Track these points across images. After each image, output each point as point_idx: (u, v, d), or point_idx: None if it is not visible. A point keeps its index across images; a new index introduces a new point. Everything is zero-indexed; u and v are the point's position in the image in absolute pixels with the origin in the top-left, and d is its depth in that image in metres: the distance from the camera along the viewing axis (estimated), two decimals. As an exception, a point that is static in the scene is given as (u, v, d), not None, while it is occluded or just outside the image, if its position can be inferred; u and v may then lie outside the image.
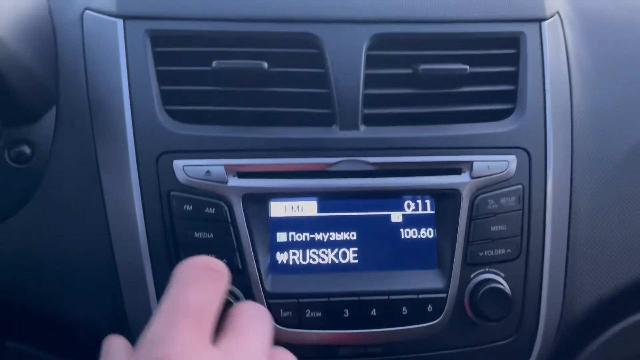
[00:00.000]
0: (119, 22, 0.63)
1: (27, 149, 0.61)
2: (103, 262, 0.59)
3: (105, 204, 0.60)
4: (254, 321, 0.46)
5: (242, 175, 0.59)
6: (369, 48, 0.63)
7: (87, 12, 0.66)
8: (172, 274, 0.46)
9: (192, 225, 0.58)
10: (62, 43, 0.65)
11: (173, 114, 0.61)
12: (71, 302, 0.61)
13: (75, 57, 0.64)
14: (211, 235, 0.57)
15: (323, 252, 0.60)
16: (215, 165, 0.58)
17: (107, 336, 0.48)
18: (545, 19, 0.67)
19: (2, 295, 0.62)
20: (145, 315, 0.57)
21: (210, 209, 0.58)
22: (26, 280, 0.61)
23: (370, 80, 0.62)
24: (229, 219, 0.58)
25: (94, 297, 0.60)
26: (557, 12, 0.70)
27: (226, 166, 0.58)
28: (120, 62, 0.62)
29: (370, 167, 0.60)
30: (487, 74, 0.65)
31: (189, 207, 0.58)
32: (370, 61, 0.63)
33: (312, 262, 0.60)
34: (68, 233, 0.60)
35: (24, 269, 0.61)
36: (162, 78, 0.62)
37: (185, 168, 0.58)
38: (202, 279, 0.46)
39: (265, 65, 0.60)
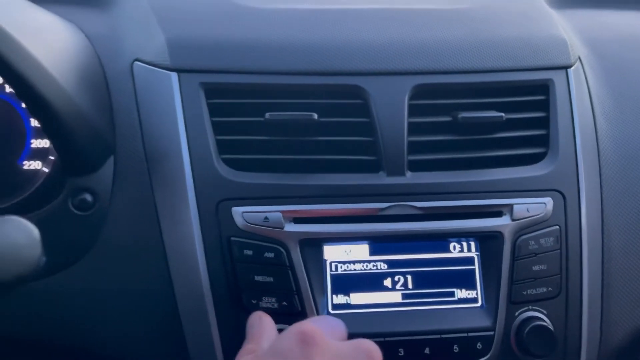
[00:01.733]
0: (174, 75, 0.66)
1: (89, 197, 0.64)
2: (165, 305, 0.62)
3: (165, 249, 0.63)
4: None
5: (297, 220, 0.62)
6: (411, 98, 0.66)
7: (137, 63, 0.69)
8: None
9: (253, 268, 0.61)
10: (115, 93, 0.68)
11: (228, 162, 0.64)
12: (133, 345, 0.63)
13: (129, 107, 0.67)
14: (271, 279, 0.60)
15: (375, 293, 0.63)
16: (273, 212, 0.62)
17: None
18: (570, 66, 0.72)
19: (65, 339, 0.64)
20: (208, 357, 0.60)
21: (270, 253, 0.61)
22: (89, 324, 0.64)
23: (413, 128, 0.66)
24: (287, 263, 0.61)
25: (156, 340, 0.63)
26: (579, 58, 0.74)
27: (283, 212, 0.62)
28: (176, 113, 0.65)
29: (418, 212, 0.64)
30: (520, 119, 0.69)
31: (249, 252, 0.61)
32: (413, 110, 0.66)
33: (365, 302, 0.63)
34: (130, 277, 0.63)
35: (88, 314, 0.63)
36: (216, 128, 0.65)
37: (244, 214, 0.62)
38: None
39: (316, 116, 0.64)
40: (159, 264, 0.63)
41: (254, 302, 0.60)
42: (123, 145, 0.66)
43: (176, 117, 0.65)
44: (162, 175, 0.64)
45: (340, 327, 0.55)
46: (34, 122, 0.71)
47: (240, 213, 0.62)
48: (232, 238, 0.61)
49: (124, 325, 0.63)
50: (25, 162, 0.71)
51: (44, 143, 0.71)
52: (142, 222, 0.64)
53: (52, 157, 0.71)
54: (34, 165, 0.71)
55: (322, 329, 0.50)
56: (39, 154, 0.71)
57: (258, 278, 0.60)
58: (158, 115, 0.66)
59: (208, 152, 0.64)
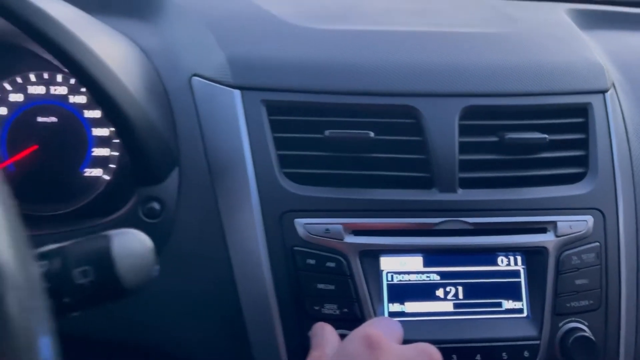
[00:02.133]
0: (236, 92, 0.69)
1: (156, 205, 0.68)
2: (229, 310, 0.66)
3: (229, 257, 0.66)
4: None
5: (357, 232, 0.66)
6: (461, 118, 0.70)
7: (195, 78, 0.72)
8: None
9: (315, 277, 0.64)
10: (176, 106, 0.71)
11: (289, 176, 0.68)
12: (198, 348, 0.67)
13: (190, 120, 0.70)
14: (333, 287, 0.64)
15: (429, 302, 0.67)
16: (334, 224, 0.65)
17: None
18: (607, 90, 0.76)
19: (132, 339, 0.68)
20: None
21: (331, 263, 0.64)
22: (157, 326, 0.67)
23: (463, 147, 0.70)
24: (348, 272, 0.64)
25: (220, 344, 0.67)
26: (613, 82, 0.79)
27: (344, 225, 0.65)
28: (240, 129, 0.68)
29: (469, 227, 0.68)
30: (561, 140, 0.73)
31: (312, 261, 0.65)
32: (462, 130, 0.70)
33: (419, 310, 0.67)
34: (196, 283, 0.67)
35: (155, 316, 0.67)
36: (278, 143, 0.68)
37: (306, 226, 0.65)
38: None
39: (372, 134, 0.68)
40: (224, 270, 0.66)
41: (316, 308, 0.64)
42: (187, 158, 0.69)
43: (240, 132, 0.68)
44: (226, 187, 0.68)
45: (399, 329, 0.59)
46: (96, 132, 0.75)
47: (302, 224, 0.65)
48: (295, 248, 0.65)
49: (189, 328, 0.67)
50: (86, 170, 0.75)
51: (105, 152, 0.75)
52: (207, 231, 0.67)
53: (112, 165, 0.75)
54: (95, 172, 0.75)
55: (382, 331, 0.54)
56: (100, 162, 0.75)
57: (320, 286, 0.64)
58: (221, 129, 0.69)
59: (270, 166, 0.67)
